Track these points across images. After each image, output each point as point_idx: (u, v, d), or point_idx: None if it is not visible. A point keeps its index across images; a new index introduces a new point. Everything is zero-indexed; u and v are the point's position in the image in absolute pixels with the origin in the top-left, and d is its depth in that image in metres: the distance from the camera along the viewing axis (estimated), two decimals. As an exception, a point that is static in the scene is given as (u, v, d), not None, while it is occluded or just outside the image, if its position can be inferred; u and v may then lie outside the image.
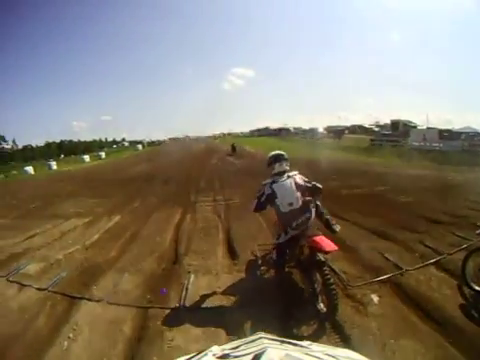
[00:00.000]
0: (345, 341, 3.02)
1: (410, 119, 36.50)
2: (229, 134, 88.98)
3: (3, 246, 6.29)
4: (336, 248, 3.32)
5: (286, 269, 4.09)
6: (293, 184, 3.59)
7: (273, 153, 3.93)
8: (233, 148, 29.15)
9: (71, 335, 3.26)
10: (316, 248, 3.32)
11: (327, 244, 3.30)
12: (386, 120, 43.17)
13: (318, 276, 3.38)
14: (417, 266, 4.40)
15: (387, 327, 3.16)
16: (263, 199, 3.64)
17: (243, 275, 4.49)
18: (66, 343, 3.15)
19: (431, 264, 4.44)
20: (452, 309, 3.35)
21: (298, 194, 3.56)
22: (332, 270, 4.18)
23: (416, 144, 25.97)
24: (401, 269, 4.32)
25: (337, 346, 2.93)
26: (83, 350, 3.05)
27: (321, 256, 3.34)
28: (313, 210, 3.64)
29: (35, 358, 2.96)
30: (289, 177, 3.66)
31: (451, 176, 12.27)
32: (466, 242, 4.94)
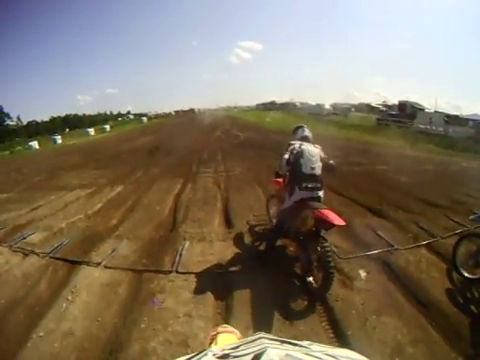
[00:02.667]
0: (328, 312, 3.10)
1: (419, 102, 35.20)
2: (235, 107, 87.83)
3: (8, 218, 6.44)
4: (344, 223, 3.27)
5: (279, 242, 4.22)
6: (318, 153, 3.73)
7: (297, 124, 4.24)
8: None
9: (70, 297, 3.41)
10: (323, 220, 3.29)
11: (335, 218, 3.24)
12: (394, 100, 41.53)
13: (317, 249, 3.35)
14: (408, 246, 4.40)
15: (371, 303, 3.19)
16: (292, 155, 3.70)
17: (237, 243, 4.60)
18: (65, 305, 3.30)
19: (423, 246, 4.42)
20: (438, 293, 3.35)
21: (320, 163, 3.68)
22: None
23: (422, 127, 25.45)
24: (392, 247, 4.34)
25: (320, 318, 3.04)
26: (80, 311, 3.20)
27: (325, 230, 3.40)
28: (322, 187, 3.70)
29: (35, 319, 3.11)
30: (315, 147, 3.81)
31: (454, 161, 12.05)
32: (460, 227, 4.92)
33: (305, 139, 3.93)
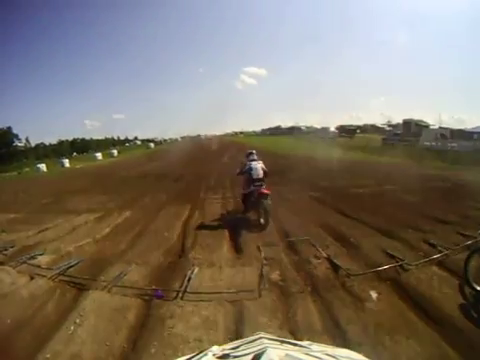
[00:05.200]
0: (341, 336, 3.04)
1: (423, 118, 35.74)
2: (241, 133, 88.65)
3: (16, 239, 6.47)
4: (269, 192, 6.70)
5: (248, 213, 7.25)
6: (260, 166, 7.02)
7: (248, 151, 7.63)
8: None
9: (78, 321, 3.38)
10: (259, 192, 6.67)
11: (265, 190, 6.72)
12: (398, 119, 42.48)
13: (261, 207, 6.57)
14: (419, 262, 4.39)
15: (384, 324, 3.15)
16: (245, 169, 7.07)
17: (245, 267, 4.61)
18: (72, 328, 3.26)
19: (433, 263, 4.39)
20: (451, 308, 3.32)
21: (261, 171, 6.95)
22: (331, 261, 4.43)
23: (428, 144, 25.64)
24: (402, 266, 4.32)
25: (334, 343, 2.95)
26: (88, 335, 3.16)
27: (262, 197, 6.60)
28: (264, 182, 6.92)
29: (42, 342, 3.07)
30: (259, 163, 7.12)
31: (461, 176, 12.04)
32: (470, 240, 4.92)
33: (253, 159, 7.16)
